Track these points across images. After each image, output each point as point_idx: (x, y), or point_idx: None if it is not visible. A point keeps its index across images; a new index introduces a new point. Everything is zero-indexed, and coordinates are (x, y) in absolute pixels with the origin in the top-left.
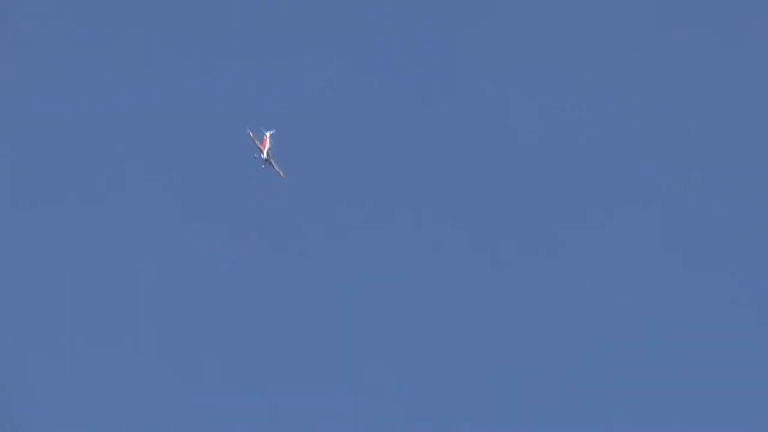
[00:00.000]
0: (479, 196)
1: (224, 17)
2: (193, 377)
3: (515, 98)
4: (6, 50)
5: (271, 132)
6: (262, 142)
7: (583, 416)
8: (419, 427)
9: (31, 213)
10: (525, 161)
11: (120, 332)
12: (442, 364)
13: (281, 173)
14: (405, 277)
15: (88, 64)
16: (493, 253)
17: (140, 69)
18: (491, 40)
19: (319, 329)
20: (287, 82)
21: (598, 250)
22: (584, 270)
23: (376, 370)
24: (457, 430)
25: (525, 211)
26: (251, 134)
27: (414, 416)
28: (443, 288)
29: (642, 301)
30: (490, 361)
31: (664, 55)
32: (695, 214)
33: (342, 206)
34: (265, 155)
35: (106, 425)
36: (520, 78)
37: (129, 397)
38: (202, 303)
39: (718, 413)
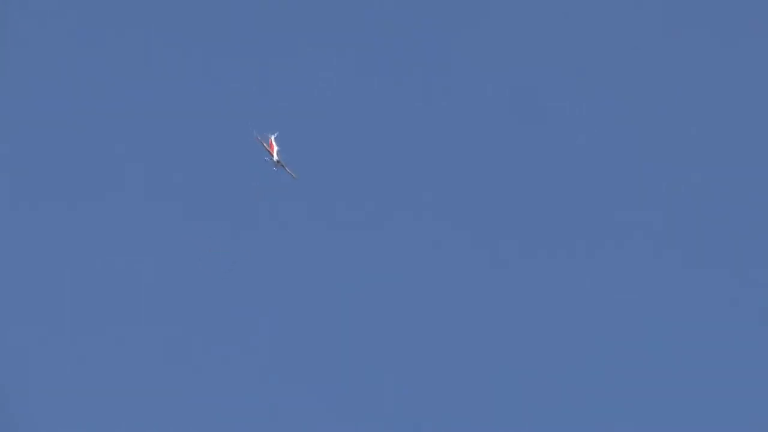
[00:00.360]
0: (479, 196)
1: (224, 17)
2: (193, 377)
3: (515, 98)
4: (6, 50)
5: (275, 135)
6: (269, 145)
7: (583, 416)
8: (419, 427)
9: (31, 213)
10: (525, 161)
11: (120, 332)
12: (441, 364)
13: (293, 174)
14: (405, 277)
15: (88, 64)
16: (493, 253)
17: (140, 69)
18: (491, 40)
19: (319, 329)
20: (287, 82)
21: (598, 250)
22: (584, 270)
23: (376, 370)
24: (457, 430)
25: (525, 211)
26: (258, 138)
27: (414, 416)
28: (443, 288)
29: (642, 301)
30: (490, 361)
31: (664, 55)
32: (695, 214)
33: (342, 206)
34: (275, 157)
35: (106, 425)
36: (521, 78)
37: (129, 397)
38: (202, 303)
39: (718, 413)
